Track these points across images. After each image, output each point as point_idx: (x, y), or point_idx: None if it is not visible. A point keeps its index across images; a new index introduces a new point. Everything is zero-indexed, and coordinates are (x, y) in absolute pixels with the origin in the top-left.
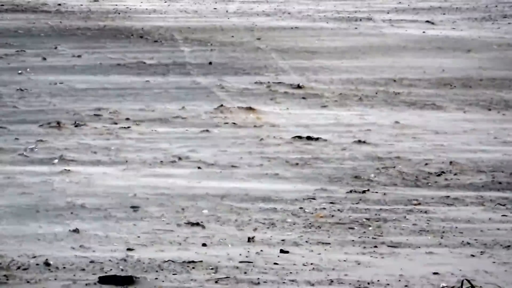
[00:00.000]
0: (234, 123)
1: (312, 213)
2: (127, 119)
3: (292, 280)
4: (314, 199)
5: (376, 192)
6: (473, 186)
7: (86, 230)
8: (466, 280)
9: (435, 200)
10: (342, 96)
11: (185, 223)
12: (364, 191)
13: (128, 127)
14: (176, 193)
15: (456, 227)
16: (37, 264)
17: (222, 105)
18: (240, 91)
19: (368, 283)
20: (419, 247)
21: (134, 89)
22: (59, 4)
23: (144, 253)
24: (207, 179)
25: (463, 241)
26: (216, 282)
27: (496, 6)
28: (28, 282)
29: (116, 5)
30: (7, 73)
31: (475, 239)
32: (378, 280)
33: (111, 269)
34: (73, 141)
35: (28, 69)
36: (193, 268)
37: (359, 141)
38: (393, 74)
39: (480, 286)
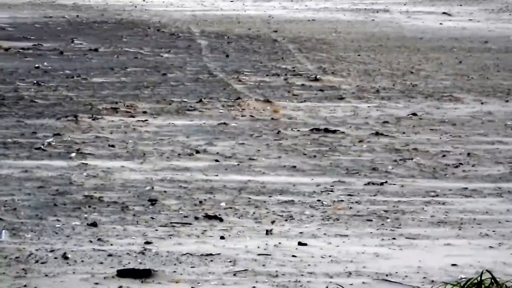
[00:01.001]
0: (251, 116)
1: (330, 206)
2: (144, 112)
3: (310, 273)
4: (332, 191)
5: (394, 184)
6: (491, 178)
7: (104, 224)
8: (487, 271)
9: (453, 192)
10: (359, 88)
11: (203, 216)
12: (382, 183)
13: (145, 120)
14: (194, 186)
15: (474, 219)
16: (55, 258)
17: (239, 98)
18: (257, 84)
19: (387, 275)
20: (437, 238)
21: (151, 82)
22: None
23: (162, 246)
24: (224, 172)
25: (481, 233)
26: (234, 274)
27: None
28: (46, 275)
29: None
30: (24, 67)
31: (493, 231)
32: (397, 272)
33: (129, 262)
34: (90, 135)
35: (45, 63)
36: (211, 261)
37: (377, 133)
38: (410, 66)
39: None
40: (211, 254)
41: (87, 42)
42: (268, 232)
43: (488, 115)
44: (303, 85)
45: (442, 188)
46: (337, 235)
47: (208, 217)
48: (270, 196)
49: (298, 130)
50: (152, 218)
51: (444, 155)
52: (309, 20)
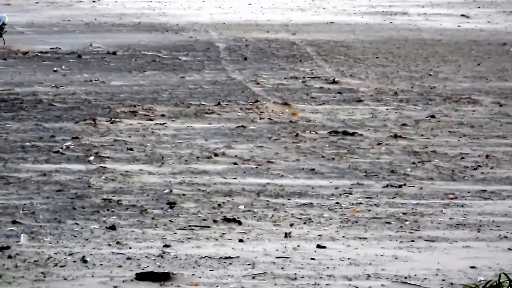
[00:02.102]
0: (269, 119)
1: (348, 208)
2: (163, 115)
3: (329, 275)
4: (350, 194)
5: (413, 186)
6: (510, 180)
7: (122, 227)
8: (504, 274)
9: (471, 194)
10: (378, 90)
11: (221, 219)
12: (400, 186)
13: (164, 123)
14: (212, 189)
15: (493, 221)
16: (74, 261)
17: (257, 101)
18: (275, 86)
19: (406, 277)
20: (456, 241)
21: (169, 85)
22: (94, 1)
23: (181, 249)
24: (243, 175)
25: (500, 235)
26: (253, 277)
27: None
28: (65, 279)
29: (151, 1)
30: (42, 70)
31: None
32: (415, 275)
33: (148, 266)
34: (108, 138)
35: (63, 66)
36: (230, 264)
37: (395, 136)
38: (429, 68)
39: None
40: (230, 257)
41: (105, 46)
42: (287, 235)
43: (507, 117)
44: (321, 87)
45: (460, 190)
46: (355, 237)
47: (226, 220)
48: (288, 199)
49: (317, 133)
50: (171, 221)
51: (462, 157)
52: (327, 23)
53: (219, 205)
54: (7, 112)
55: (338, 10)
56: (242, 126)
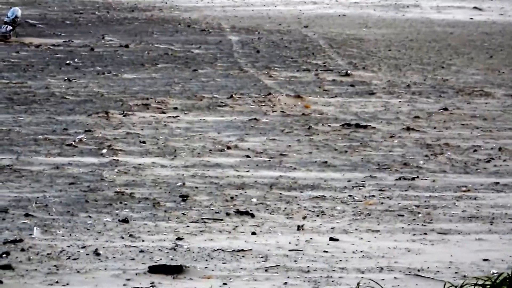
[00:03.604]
0: (282, 111)
1: (361, 201)
2: (175, 108)
3: (342, 268)
4: (363, 186)
5: (425, 179)
6: None
7: (135, 220)
8: None
9: (484, 187)
10: (390, 83)
11: (234, 212)
12: (413, 178)
13: (176, 116)
14: (225, 182)
15: (506, 214)
16: (87, 254)
17: (270, 93)
18: (288, 79)
19: (418, 270)
20: (469, 233)
21: (182, 78)
22: None
23: (193, 242)
24: (256, 167)
25: None
26: (266, 270)
27: None
28: (78, 272)
29: None
30: (55, 63)
31: None
32: (428, 267)
33: (160, 259)
34: (121, 131)
35: (75, 60)
36: (243, 256)
37: (408, 128)
38: (441, 61)
39: None
40: (242, 250)
41: (118, 39)
42: (300, 228)
43: None
44: (334, 80)
45: (473, 183)
46: (368, 230)
47: (239, 213)
48: (301, 192)
49: (329, 126)
50: (184, 214)
51: (475, 150)
52: (339, 16)
53: (231, 198)
54: (19, 105)
55: (350, 2)
56: (255, 119)
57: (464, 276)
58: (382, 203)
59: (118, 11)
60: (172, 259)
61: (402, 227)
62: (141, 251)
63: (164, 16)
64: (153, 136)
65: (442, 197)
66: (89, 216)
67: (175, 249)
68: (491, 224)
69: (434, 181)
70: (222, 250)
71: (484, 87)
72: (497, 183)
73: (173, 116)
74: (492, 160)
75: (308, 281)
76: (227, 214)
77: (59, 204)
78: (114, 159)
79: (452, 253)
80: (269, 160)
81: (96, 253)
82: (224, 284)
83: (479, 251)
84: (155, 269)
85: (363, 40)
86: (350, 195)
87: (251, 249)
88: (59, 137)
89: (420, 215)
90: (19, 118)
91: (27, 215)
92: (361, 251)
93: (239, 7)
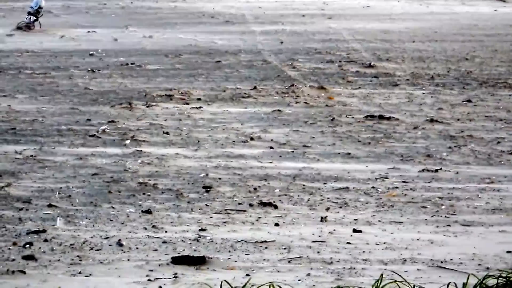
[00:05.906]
0: (305, 103)
1: (384, 192)
2: (199, 99)
3: (365, 259)
4: (386, 178)
5: (449, 171)
6: None
7: (158, 211)
8: None
9: (508, 179)
10: (414, 74)
11: (257, 203)
12: (436, 170)
13: (200, 107)
14: (248, 173)
15: None
16: (110, 245)
17: (293, 85)
18: (311, 71)
19: (441, 262)
20: (492, 225)
21: (205, 69)
22: None
23: (216, 233)
24: (279, 159)
25: None
26: (289, 261)
27: None
28: (101, 262)
29: None
30: (78, 54)
31: None
32: (451, 259)
33: (183, 250)
34: (144, 122)
35: (99, 50)
36: (266, 248)
37: (431, 120)
38: (465, 53)
39: None
40: (265, 241)
41: (141, 29)
42: (323, 219)
43: None
44: (357, 71)
45: (497, 175)
46: (391, 222)
47: (262, 204)
48: (324, 183)
49: (353, 117)
50: (207, 205)
51: (499, 142)
52: (363, 7)
53: (255, 189)
54: (43, 95)
55: None
56: (278, 110)
57: (487, 268)
58: (405, 194)
59: (142, 1)
60: (195, 250)
61: (426, 219)
62: (164, 242)
63: (187, 7)
64: (176, 127)
65: (466, 189)
66: (112, 207)
67: (198, 240)
68: None
69: (457, 173)
70: (245, 241)
71: (508, 79)
72: None
73: (196, 107)
74: None
75: (331, 273)
76: (250, 205)
77: (82, 194)
78: (137, 150)
79: (475, 245)
80: (293, 152)
81: (119, 244)
82: (247, 275)
83: (503, 243)
84: (178, 260)
85: (387, 31)
86: (373, 187)
87: (274, 240)
88: (82, 127)
89: (443, 207)
90: (43, 108)
91: (50, 205)
92: (384, 243)
93: None
